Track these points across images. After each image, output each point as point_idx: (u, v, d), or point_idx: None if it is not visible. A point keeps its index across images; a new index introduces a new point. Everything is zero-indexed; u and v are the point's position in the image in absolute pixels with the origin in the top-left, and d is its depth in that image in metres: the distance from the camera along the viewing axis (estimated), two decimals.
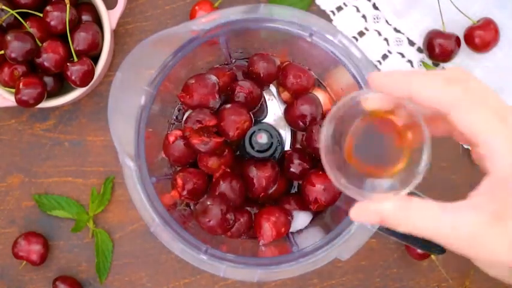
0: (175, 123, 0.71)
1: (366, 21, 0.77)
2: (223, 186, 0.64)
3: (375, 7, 0.77)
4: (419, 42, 0.77)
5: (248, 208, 0.67)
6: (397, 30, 0.78)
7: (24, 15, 0.70)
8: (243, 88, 0.65)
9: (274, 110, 0.70)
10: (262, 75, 0.66)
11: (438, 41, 0.73)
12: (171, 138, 0.64)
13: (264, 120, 0.70)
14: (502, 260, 0.41)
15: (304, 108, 0.67)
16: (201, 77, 0.64)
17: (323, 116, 0.68)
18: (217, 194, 0.64)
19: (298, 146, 0.70)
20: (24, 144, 0.78)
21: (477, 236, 0.41)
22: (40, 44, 0.69)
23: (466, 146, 0.77)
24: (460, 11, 0.74)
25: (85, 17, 0.72)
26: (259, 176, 0.64)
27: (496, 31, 0.74)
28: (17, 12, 0.68)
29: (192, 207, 0.68)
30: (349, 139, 0.45)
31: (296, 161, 0.66)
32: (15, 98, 0.69)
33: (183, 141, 0.64)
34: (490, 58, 0.76)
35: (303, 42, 0.62)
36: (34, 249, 0.75)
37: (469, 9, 0.75)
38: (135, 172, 0.60)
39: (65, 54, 0.70)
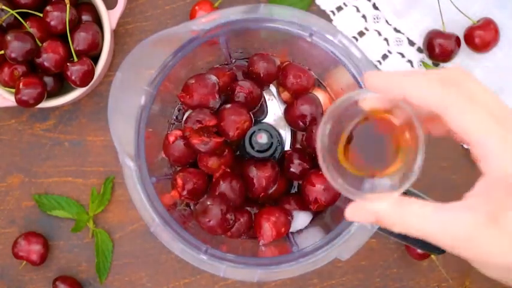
0: (175, 123, 0.71)
1: (366, 21, 0.77)
2: (223, 186, 0.64)
3: (375, 7, 0.77)
4: (419, 42, 0.77)
5: (248, 208, 0.67)
6: (397, 30, 0.77)
7: (24, 15, 0.70)
8: (243, 88, 0.65)
9: (274, 110, 0.70)
10: (262, 75, 0.66)
11: (438, 41, 0.73)
12: (171, 138, 0.64)
13: (264, 120, 0.70)
14: (498, 261, 0.41)
15: (304, 108, 0.67)
16: (201, 77, 0.64)
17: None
18: (217, 194, 0.64)
19: (298, 146, 0.70)
20: (24, 144, 0.78)
21: (472, 237, 0.40)
22: (40, 44, 0.69)
23: (466, 146, 0.77)
24: (460, 11, 0.74)
25: (85, 17, 0.72)
26: (259, 176, 0.64)
27: (496, 31, 0.74)
28: (17, 12, 0.68)
29: (192, 207, 0.68)
30: (347, 139, 0.45)
31: (296, 161, 0.66)
32: (15, 98, 0.69)
33: (183, 141, 0.64)
34: (490, 58, 0.76)
35: (303, 42, 0.62)
36: (34, 249, 0.75)
37: (469, 9, 0.75)
38: (135, 172, 0.60)
39: (65, 54, 0.70)
